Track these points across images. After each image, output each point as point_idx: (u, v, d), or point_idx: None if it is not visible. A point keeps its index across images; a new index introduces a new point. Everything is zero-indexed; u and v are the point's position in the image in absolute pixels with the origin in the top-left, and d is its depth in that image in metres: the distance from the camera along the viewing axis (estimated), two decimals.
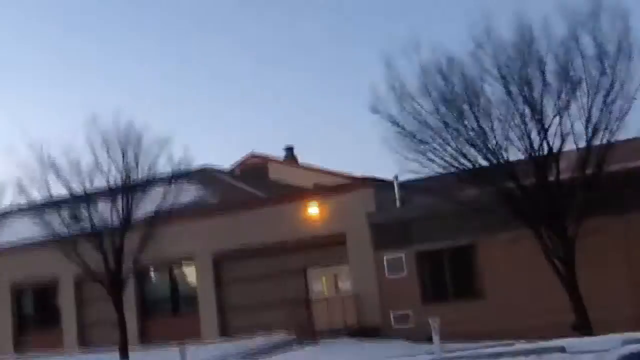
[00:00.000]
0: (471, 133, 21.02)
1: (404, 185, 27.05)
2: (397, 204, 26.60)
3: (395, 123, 21.58)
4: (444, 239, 24.89)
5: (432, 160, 21.94)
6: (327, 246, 27.29)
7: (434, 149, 21.61)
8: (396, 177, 26.55)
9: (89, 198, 25.37)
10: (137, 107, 65.78)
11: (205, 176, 33.83)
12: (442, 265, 25.25)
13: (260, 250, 28.52)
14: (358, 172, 31.05)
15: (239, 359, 21.99)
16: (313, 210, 27.73)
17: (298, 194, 29.08)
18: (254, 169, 42.50)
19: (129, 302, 27.48)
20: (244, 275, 29.21)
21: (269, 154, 46.82)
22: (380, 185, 27.41)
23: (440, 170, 22.16)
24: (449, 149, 21.33)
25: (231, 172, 40.02)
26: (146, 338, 30.22)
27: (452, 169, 21.83)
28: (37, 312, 34.93)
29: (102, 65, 78.78)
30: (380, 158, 58.09)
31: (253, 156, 46.64)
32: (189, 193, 29.78)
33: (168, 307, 31.45)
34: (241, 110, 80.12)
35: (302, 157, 48.02)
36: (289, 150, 49.59)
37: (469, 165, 21.39)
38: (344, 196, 27.32)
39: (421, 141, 21.57)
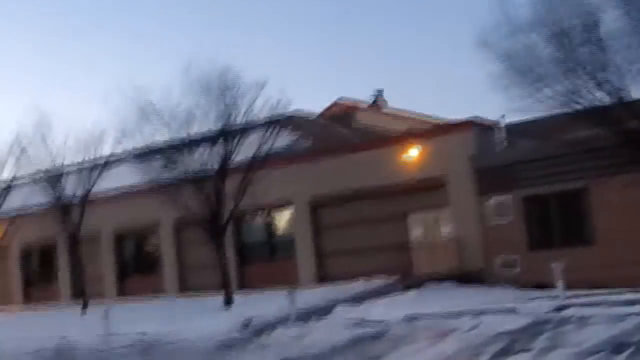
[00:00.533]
0: (590, 67, 19.51)
1: (507, 128, 25.80)
2: (502, 146, 25.33)
3: (506, 57, 20.20)
4: (553, 182, 23.58)
5: (545, 98, 20.56)
6: (428, 190, 26.34)
7: (548, 85, 20.19)
8: (501, 118, 25.28)
9: (188, 143, 25.02)
10: (230, 52, 65.25)
11: (298, 122, 33.20)
12: (550, 209, 23.97)
13: (358, 195, 27.79)
14: (449, 118, 29.89)
15: (346, 303, 21.38)
16: (413, 153, 26.75)
17: (396, 137, 28.10)
18: (341, 115, 41.69)
19: (227, 247, 27.25)
20: (341, 221, 28.58)
21: (357, 100, 45.98)
22: (481, 128, 26.17)
23: (553, 109, 20.75)
24: (565, 84, 19.87)
25: (319, 118, 39.26)
26: (244, 283, 30.08)
27: (567, 108, 20.40)
28: (138, 257, 35.34)
29: (197, 10, 78.63)
30: (474, 103, 56.35)
31: (341, 102, 45.87)
32: (284, 138, 29.19)
33: (265, 253, 31.18)
34: (327, 56, 78.88)
35: (390, 103, 47.01)
36: (377, 95, 48.51)
37: (587, 103, 19.92)
38: (444, 138, 26.20)
39: (534, 76, 20.16)
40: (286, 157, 28.78)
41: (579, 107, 20.31)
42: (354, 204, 28.13)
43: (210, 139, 25.09)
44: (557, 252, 23.29)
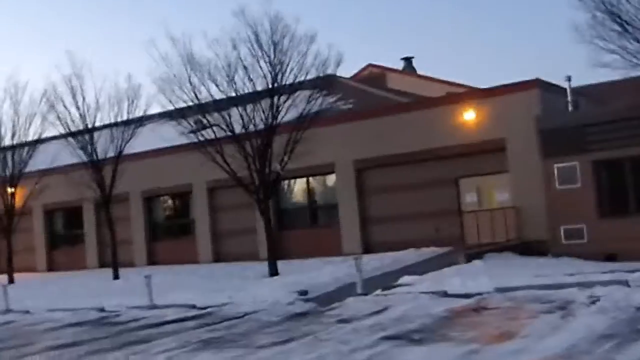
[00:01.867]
0: None
1: (574, 91, 23.80)
2: (569, 107, 23.32)
3: (595, 6, 18.18)
4: (626, 146, 21.58)
5: (632, 53, 18.58)
6: (483, 153, 24.42)
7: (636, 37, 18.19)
8: (569, 78, 23.26)
9: (233, 98, 23.02)
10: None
11: (339, 82, 31.14)
12: (623, 175, 21.98)
13: (407, 159, 25.89)
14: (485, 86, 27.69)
15: (407, 273, 19.53)
16: (469, 114, 24.74)
17: (452, 97, 25.99)
18: (372, 80, 39.78)
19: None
20: (388, 186, 26.68)
21: (387, 65, 44.14)
22: (546, 88, 24.14)
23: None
24: None
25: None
26: (281, 251, 28.11)
27: None
28: (169, 221, 33.47)
29: None
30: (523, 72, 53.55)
31: (371, 66, 43.93)
32: (328, 98, 27.06)
33: (305, 219, 29.22)
34: (358, 20, 75.55)
35: (421, 70, 45.18)
36: (408, 61, 46.59)
37: None
38: (506, 98, 24.11)
39: (626, 26, 18.14)
40: (332, 117, 26.79)
41: None
42: (402, 168, 26.27)
43: (257, 95, 23.06)
44: (630, 221, 21.55)
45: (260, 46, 22.20)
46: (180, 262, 29.46)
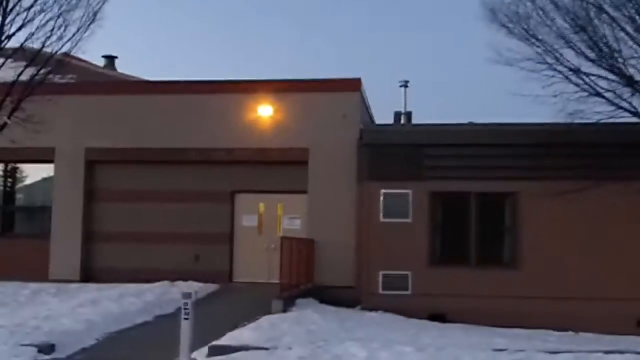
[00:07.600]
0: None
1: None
2: (402, 120, 17.43)
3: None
4: (474, 178, 16.31)
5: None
6: (276, 165, 17.42)
7: None
8: (405, 83, 17.49)
9: None
10: None
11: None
12: (467, 214, 16.48)
13: (165, 157, 17.82)
14: None
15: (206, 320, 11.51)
16: (264, 110, 17.55)
17: (242, 85, 18.31)
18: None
19: None
20: (133, 191, 18.11)
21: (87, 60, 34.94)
22: (365, 96, 18.11)
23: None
24: None
25: None
26: None
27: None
28: None
29: None
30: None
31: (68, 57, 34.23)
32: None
33: None
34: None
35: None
36: (110, 59, 37.66)
37: None
38: (315, 97, 17.38)
39: None
40: (64, 85, 17.54)
41: None
42: (157, 168, 18.06)
43: None
44: (468, 273, 16.17)
45: None
46: None
